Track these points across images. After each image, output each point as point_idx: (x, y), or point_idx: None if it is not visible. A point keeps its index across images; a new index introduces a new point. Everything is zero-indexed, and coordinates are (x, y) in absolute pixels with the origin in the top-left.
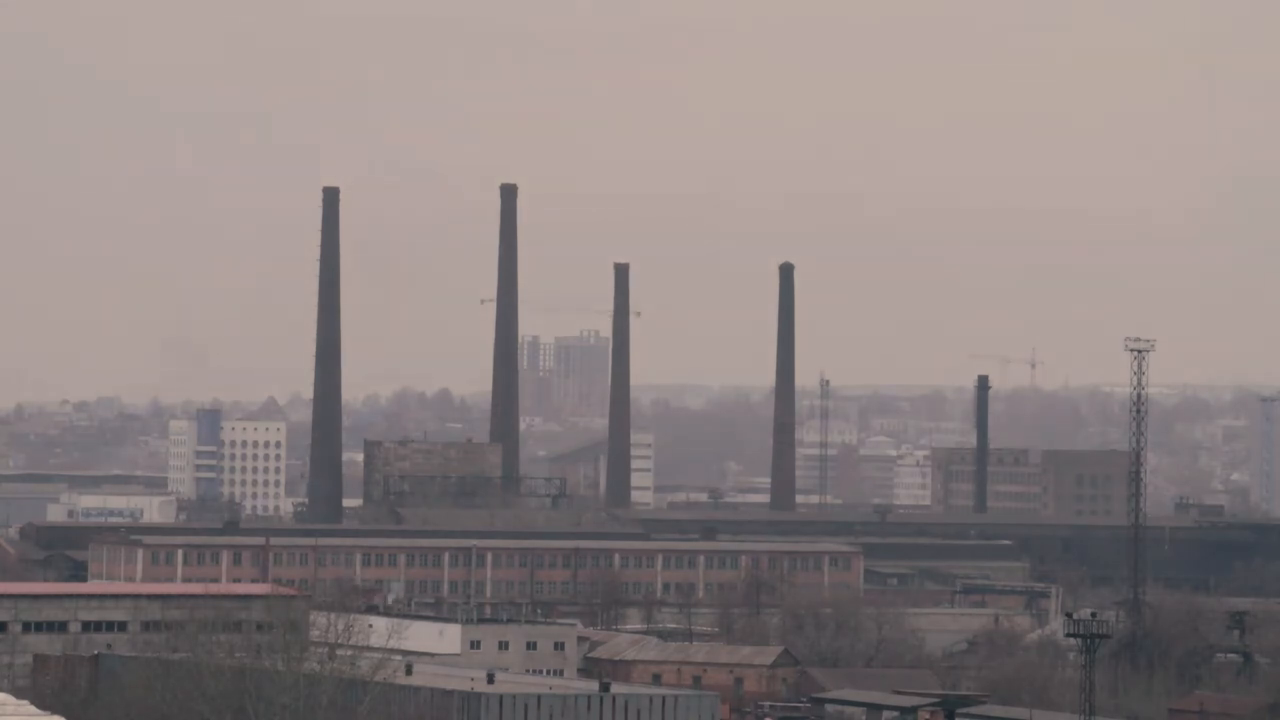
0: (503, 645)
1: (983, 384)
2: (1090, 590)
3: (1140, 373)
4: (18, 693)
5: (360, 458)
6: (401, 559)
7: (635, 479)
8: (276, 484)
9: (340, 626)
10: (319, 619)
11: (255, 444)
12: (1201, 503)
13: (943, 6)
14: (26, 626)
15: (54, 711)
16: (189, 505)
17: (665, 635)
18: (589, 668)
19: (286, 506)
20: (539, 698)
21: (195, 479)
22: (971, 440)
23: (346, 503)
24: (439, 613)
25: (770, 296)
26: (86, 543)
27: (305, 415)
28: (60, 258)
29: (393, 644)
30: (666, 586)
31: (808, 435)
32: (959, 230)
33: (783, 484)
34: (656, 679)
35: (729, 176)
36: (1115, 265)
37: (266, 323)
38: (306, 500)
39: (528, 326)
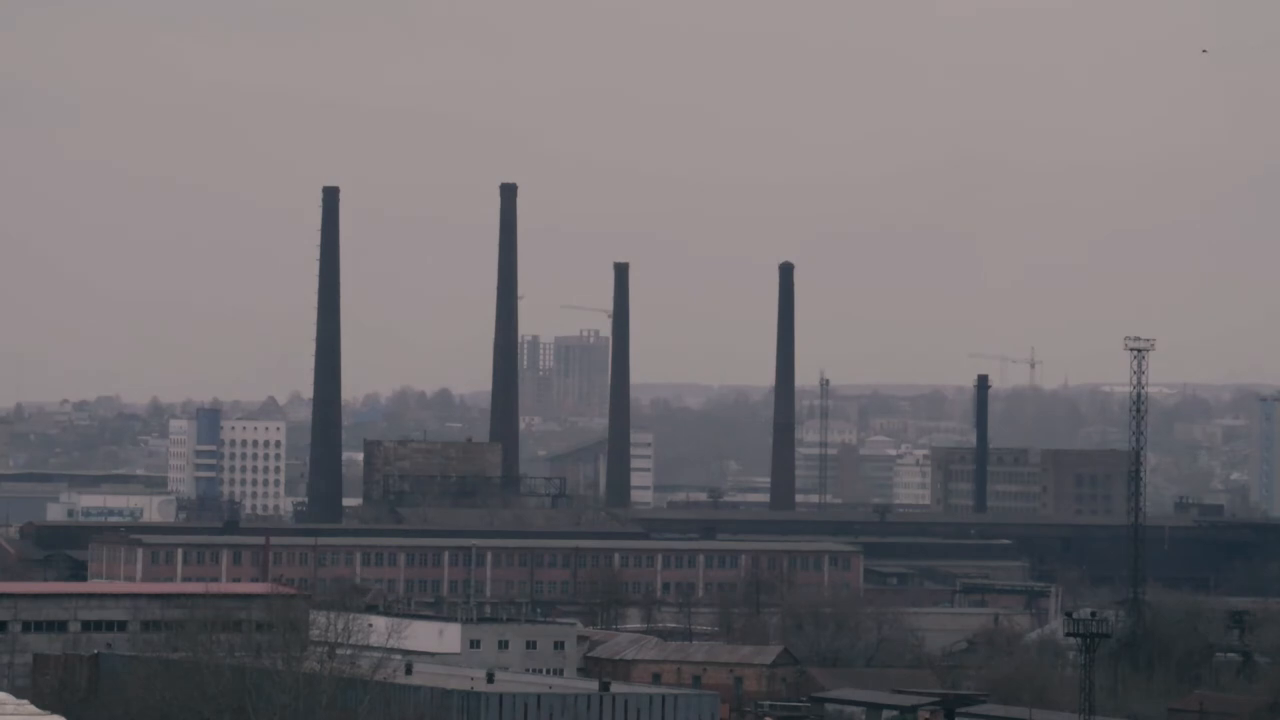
0: (503, 645)
1: (982, 384)
2: (1090, 590)
3: (1140, 372)
4: (18, 692)
5: (360, 457)
6: (401, 559)
7: (635, 479)
8: (276, 484)
9: (340, 626)
10: (319, 619)
11: (255, 444)
12: (1201, 502)
13: (943, 8)
14: (26, 626)
15: (54, 711)
16: (189, 505)
17: (665, 635)
18: (589, 667)
19: (286, 506)
20: (539, 697)
21: (195, 479)
22: (971, 440)
23: (346, 502)
24: (439, 612)
25: (770, 296)
26: (86, 542)
27: (305, 415)
28: (60, 257)
29: (393, 643)
30: (666, 586)
31: (808, 435)
32: (959, 228)
33: (782, 484)
34: (656, 679)
35: (730, 176)
36: (1115, 265)
37: (266, 322)
38: (306, 500)
39: (528, 326)
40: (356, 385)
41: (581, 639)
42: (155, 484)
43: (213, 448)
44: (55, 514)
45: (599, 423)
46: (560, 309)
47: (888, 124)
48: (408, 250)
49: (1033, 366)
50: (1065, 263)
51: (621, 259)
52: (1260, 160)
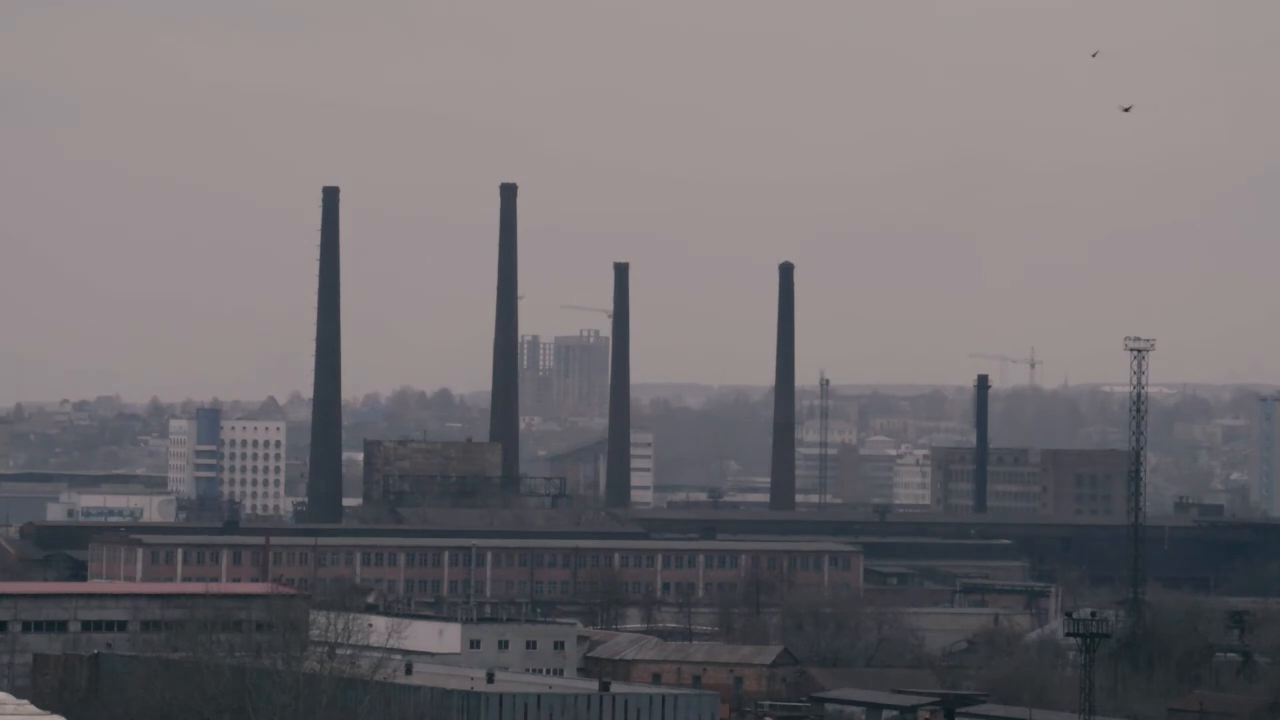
0: (503, 645)
1: (982, 384)
2: (1090, 590)
3: (1140, 372)
4: (18, 692)
5: (360, 457)
6: (401, 558)
7: (635, 479)
8: (276, 484)
9: (340, 626)
10: (319, 619)
11: (255, 444)
12: (1201, 502)
13: (947, 10)
14: (26, 626)
15: (54, 711)
16: (189, 505)
17: (665, 635)
18: (589, 667)
19: (286, 506)
20: (539, 697)
21: (195, 479)
22: (971, 440)
23: (346, 502)
24: (439, 612)
25: (770, 296)
26: (86, 542)
27: (305, 415)
28: (60, 257)
29: (393, 644)
30: (666, 586)
31: (808, 435)
32: (959, 228)
33: (782, 484)
34: (656, 679)
35: (730, 176)
36: (1115, 265)
37: (266, 322)
38: (306, 500)
39: (528, 326)
40: (356, 385)
41: (581, 639)
42: (155, 484)
43: (213, 448)
44: (55, 514)
45: (599, 423)
46: (560, 309)
47: (888, 124)
48: (408, 250)
49: (1033, 366)
50: (1065, 263)
51: (621, 259)
52: (1260, 160)
